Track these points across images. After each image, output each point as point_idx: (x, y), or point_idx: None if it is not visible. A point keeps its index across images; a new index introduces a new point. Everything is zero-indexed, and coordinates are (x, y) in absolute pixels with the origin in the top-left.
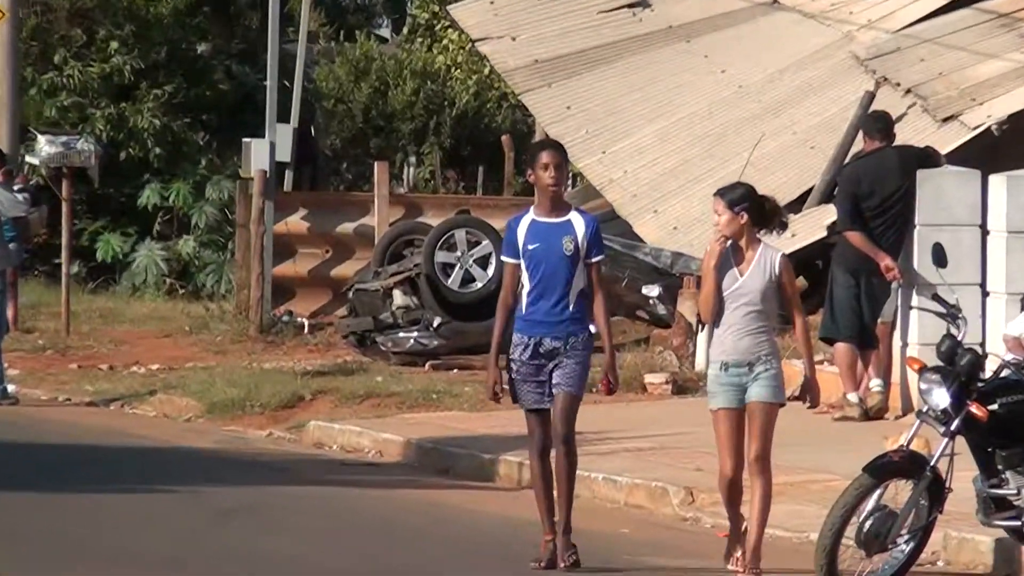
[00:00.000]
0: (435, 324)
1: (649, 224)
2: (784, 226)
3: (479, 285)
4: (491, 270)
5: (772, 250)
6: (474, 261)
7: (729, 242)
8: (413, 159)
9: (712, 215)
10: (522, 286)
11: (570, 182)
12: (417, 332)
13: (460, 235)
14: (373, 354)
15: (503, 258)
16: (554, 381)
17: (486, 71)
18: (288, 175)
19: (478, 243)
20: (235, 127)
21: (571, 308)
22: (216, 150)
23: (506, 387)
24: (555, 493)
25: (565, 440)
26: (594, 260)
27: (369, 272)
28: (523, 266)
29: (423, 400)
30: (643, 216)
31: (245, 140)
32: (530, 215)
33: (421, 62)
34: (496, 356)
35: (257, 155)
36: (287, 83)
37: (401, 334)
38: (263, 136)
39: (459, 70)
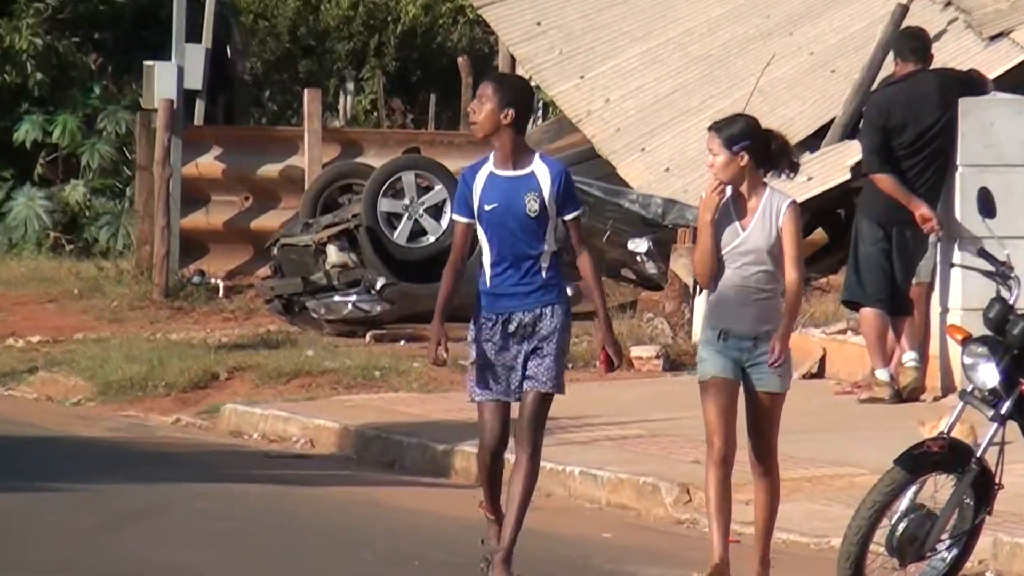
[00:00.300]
0: (378, 286)
1: (636, 165)
2: (795, 167)
3: (431, 239)
4: (445, 220)
5: (780, 196)
6: (425, 210)
7: (728, 189)
8: (351, 86)
9: (707, 155)
10: (481, 251)
11: (540, 114)
12: (356, 296)
13: (408, 178)
14: (303, 323)
15: (454, 216)
16: (528, 373)
17: None
18: (199, 105)
19: (430, 188)
20: (134, 47)
21: (544, 273)
22: (111, 75)
23: (455, 349)
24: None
25: (532, 453)
26: (569, 217)
27: (298, 224)
28: (480, 230)
29: (363, 379)
30: (629, 155)
31: (147, 63)
32: (488, 166)
33: None
34: (441, 314)
35: (161, 81)
36: None
37: (337, 298)
38: (168, 58)
39: None
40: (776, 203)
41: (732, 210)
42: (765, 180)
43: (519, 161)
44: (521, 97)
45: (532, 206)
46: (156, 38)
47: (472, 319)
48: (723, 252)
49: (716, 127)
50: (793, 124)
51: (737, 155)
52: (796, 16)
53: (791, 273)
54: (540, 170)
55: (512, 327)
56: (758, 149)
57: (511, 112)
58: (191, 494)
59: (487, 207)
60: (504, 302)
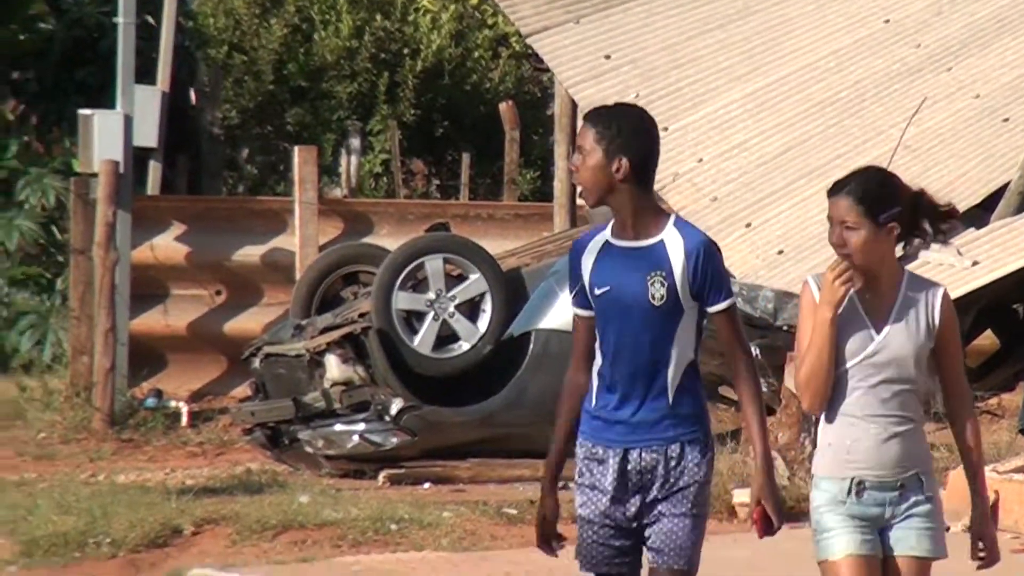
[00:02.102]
0: (393, 411)
1: (739, 246)
2: (944, 235)
3: (465, 347)
4: (483, 321)
5: (924, 283)
6: (456, 307)
7: (859, 283)
8: (355, 142)
9: (831, 228)
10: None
11: None
12: (365, 424)
13: (434, 265)
14: (294, 459)
15: (573, 308)
16: (649, 542)
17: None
18: (154, 168)
19: (463, 278)
20: (66, 91)
21: (671, 396)
22: (35, 128)
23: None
24: None
25: None
26: (717, 308)
27: (287, 326)
28: (596, 324)
29: (376, 533)
30: (729, 232)
31: (83, 112)
32: (605, 234)
33: None
34: (553, 476)
35: (103, 136)
36: (150, 19)
37: (339, 427)
38: (112, 106)
39: None
40: (924, 294)
41: (858, 304)
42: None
43: (643, 227)
44: (638, 138)
45: (657, 291)
46: (95, 79)
47: (578, 450)
48: (847, 365)
49: (849, 189)
50: (954, 190)
51: (885, 227)
52: (956, 45)
53: (958, 401)
54: (672, 240)
55: (629, 468)
56: (903, 216)
57: (624, 161)
58: None
59: (597, 291)
60: (616, 432)
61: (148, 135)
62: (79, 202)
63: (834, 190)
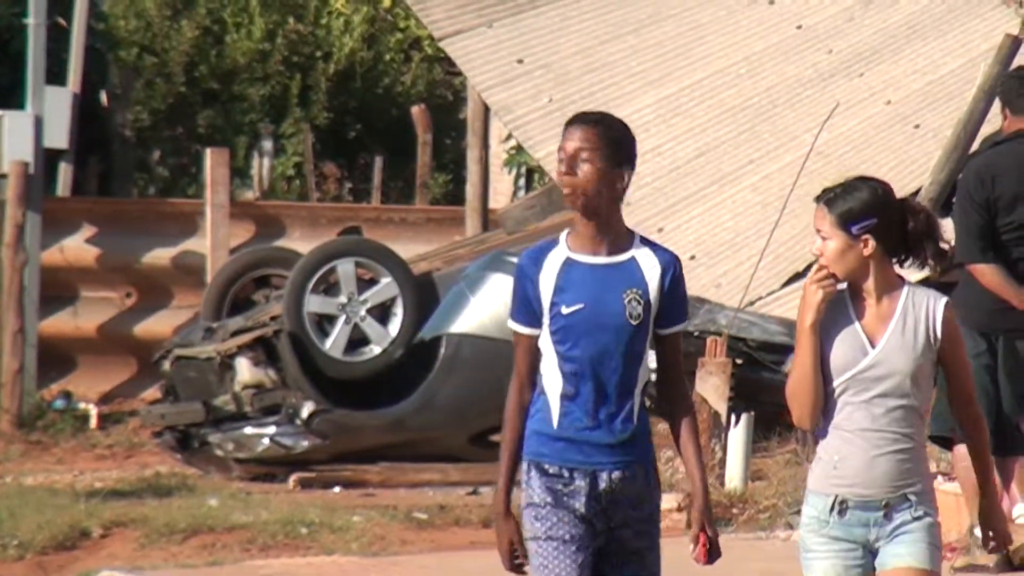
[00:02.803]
0: (304, 414)
1: None
2: (942, 257)
3: (376, 350)
4: (394, 325)
5: (926, 293)
6: (368, 311)
7: (843, 285)
8: (268, 144)
9: (813, 237)
10: (541, 376)
11: (522, 183)
12: (276, 427)
13: (346, 268)
14: (204, 463)
15: (512, 325)
16: (625, 569)
17: (385, 1)
18: (65, 170)
19: (375, 282)
20: None
21: (637, 417)
22: None
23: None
24: None
25: None
26: (675, 328)
27: (198, 329)
28: (550, 346)
29: (286, 537)
30: None
31: None
32: (562, 248)
33: None
34: (507, 496)
35: (13, 137)
36: (61, 21)
37: (249, 430)
38: (23, 107)
39: (342, 0)
40: (925, 304)
41: (853, 316)
42: (901, 273)
43: (614, 243)
44: (634, 149)
45: (635, 310)
46: (5, 79)
47: (525, 472)
48: (842, 379)
49: (827, 198)
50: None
51: (859, 239)
52: (867, 51)
53: (972, 415)
54: (643, 257)
55: (596, 492)
56: (890, 230)
57: (628, 175)
58: None
59: (565, 310)
60: (585, 453)
61: (58, 136)
62: None
63: (818, 198)
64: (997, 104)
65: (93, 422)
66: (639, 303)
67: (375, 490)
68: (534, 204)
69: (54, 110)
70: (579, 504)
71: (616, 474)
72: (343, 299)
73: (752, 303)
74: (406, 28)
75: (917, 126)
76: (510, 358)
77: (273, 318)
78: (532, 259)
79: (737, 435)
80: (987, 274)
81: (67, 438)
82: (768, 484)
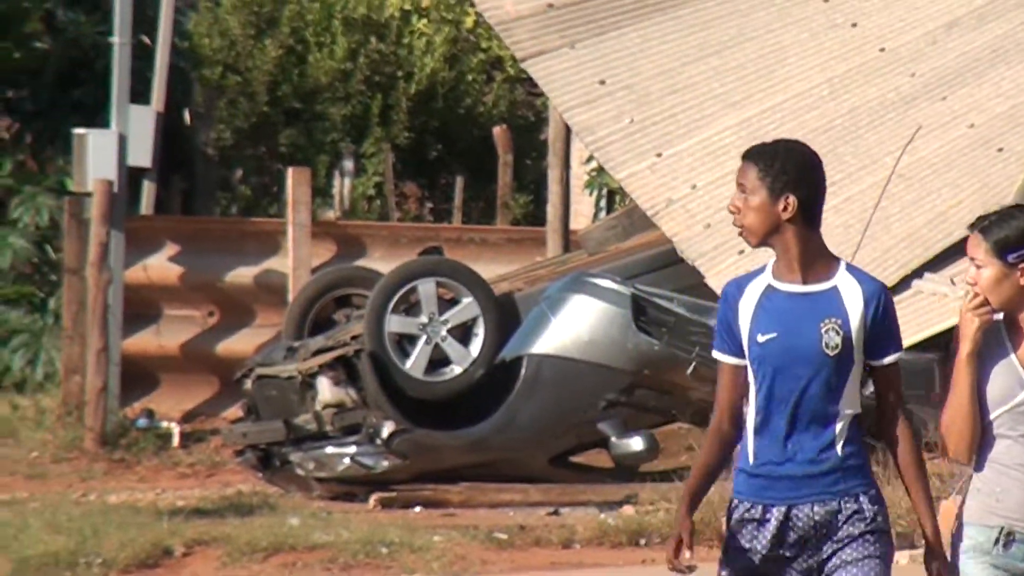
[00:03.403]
0: (385, 434)
1: (733, 273)
2: None
3: (457, 370)
4: (475, 345)
5: None
6: (449, 331)
7: (999, 315)
8: (349, 164)
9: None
10: (747, 405)
11: (603, 204)
12: (356, 446)
13: (426, 289)
14: (285, 481)
15: (715, 354)
16: None
17: (468, 22)
18: (148, 188)
19: (455, 302)
20: (61, 110)
21: (840, 449)
22: (29, 147)
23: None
24: None
25: None
26: (888, 360)
27: (279, 348)
28: (750, 372)
29: (366, 556)
30: (723, 260)
31: (77, 131)
32: (765, 277)
33: (363, 6)
34: (691, 503)
35: (97, 156)
36: (146, 40)
37: (330, 450)
38: (107, 125)
39: (424, 20)
40: None
41: (1009, 348)
42: None
43: (812, 271)
44: (805, 174)
45: (831, 340)
46: (90, 98)
47: (732, 510)
48: (998, 412)
49: (982, 225)
50: (947, 220)
51: (1016, 267)
52: (951, 74)
53: None
54: (847, 285)
55: (794, 530)
56: None
57: (791, 199)
58: None
59: (760, 338)
60: (782, 489)
61: (142, 155)
62: (72, 221)
63: (972, 226)
64: None
65: (175, 440)
66: (837, 333)
67: (455, 510)
68: (615, 225)
69: (138, 129)
70: (761, 543)
71: (818, 508)
72: (424, 319)
73: None
74: (488, 48)
75: (1000, 149)
76: (590, 379)
77: (354, 337)
78: (736, 286)
79: None
80: None
81: (149, 456)
82: None
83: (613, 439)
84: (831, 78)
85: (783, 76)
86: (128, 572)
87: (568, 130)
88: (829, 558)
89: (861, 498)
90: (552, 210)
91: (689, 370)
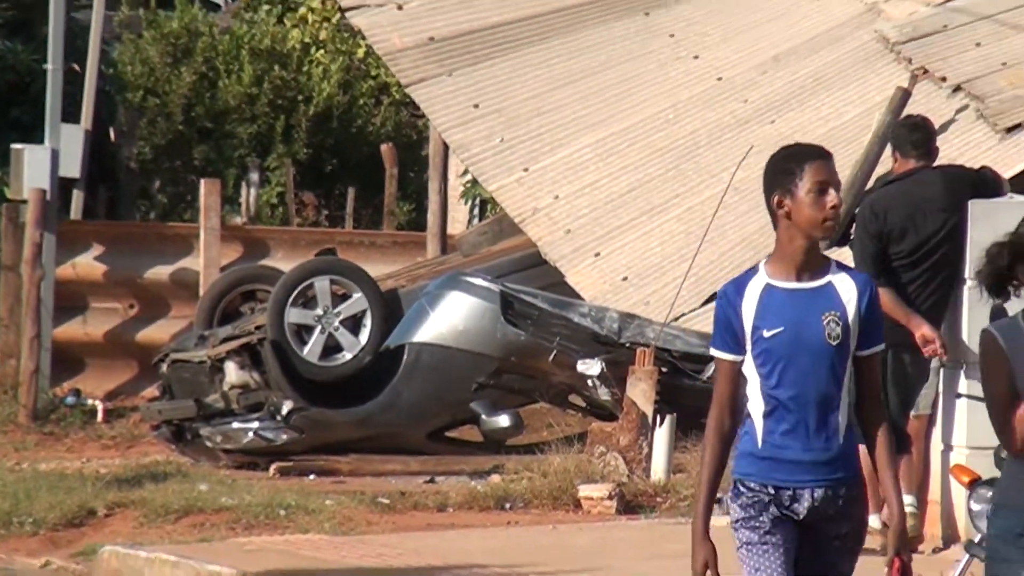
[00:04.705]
0: (284, 411)
1: (589, 272)
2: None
3: (348, 356)
4: (364, 334)
5: None
6: (341, 322)
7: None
8: (254, 176)
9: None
10: (747, 399)
11: (476, 212)
12: (258, 422)
13: (322, 285)
14: (195, 452)
15: (714, 351)
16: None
17: (360, 52)
18: (77, 197)
19: (347, 297)
20: (1, 128)
21: (841, 434)
22: None
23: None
24: None
25: None
26: (873, 350)
27: (192, 336)
28: (754, 369)
29: (266, 518)
30: (580, 261)
31: (15, 146)
32: (761, 277)
33: (268, 39)
34: (706, 520)
35: (32, 168)
36: (76, 67)
37: (236, 425)
38: (41, 141)
39: (321, 51)
40: None
41: None
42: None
43: (811, 269)
44: None
45: (833, 331)
46: (27, 117)
47: (733, 490)
48: None
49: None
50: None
51: None
52: (778, 101)
53: None
54: (841, 282)
55: (799, 507)
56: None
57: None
58: None
59: (767, 333)
60: (788, 472)
61: (72, 167)
62: (9, 225)
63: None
64: (889, 148)
65: (99, 416)
66: (837, 324)
67: (345, 478)
68: (487, 231)
69: (69, 145)
70: (783, 521)
71: (819, 492)
72: (319, 311)
73: (676, 319)
74: (377, 76)
75: None
76: (463, 364)
77: (258, 327)
78: (735, 287)
79: (661, 434)
80: (880, 296)
81: (76, 430)
82: (687, 476)
83: (483, 417)
84: (676, 103)
85: (635, 101)
86: (56, 530)
87: (446, 147)
88: (820, 544)
89: (858, 488)
90: (432, 217)
91: (551, 357)
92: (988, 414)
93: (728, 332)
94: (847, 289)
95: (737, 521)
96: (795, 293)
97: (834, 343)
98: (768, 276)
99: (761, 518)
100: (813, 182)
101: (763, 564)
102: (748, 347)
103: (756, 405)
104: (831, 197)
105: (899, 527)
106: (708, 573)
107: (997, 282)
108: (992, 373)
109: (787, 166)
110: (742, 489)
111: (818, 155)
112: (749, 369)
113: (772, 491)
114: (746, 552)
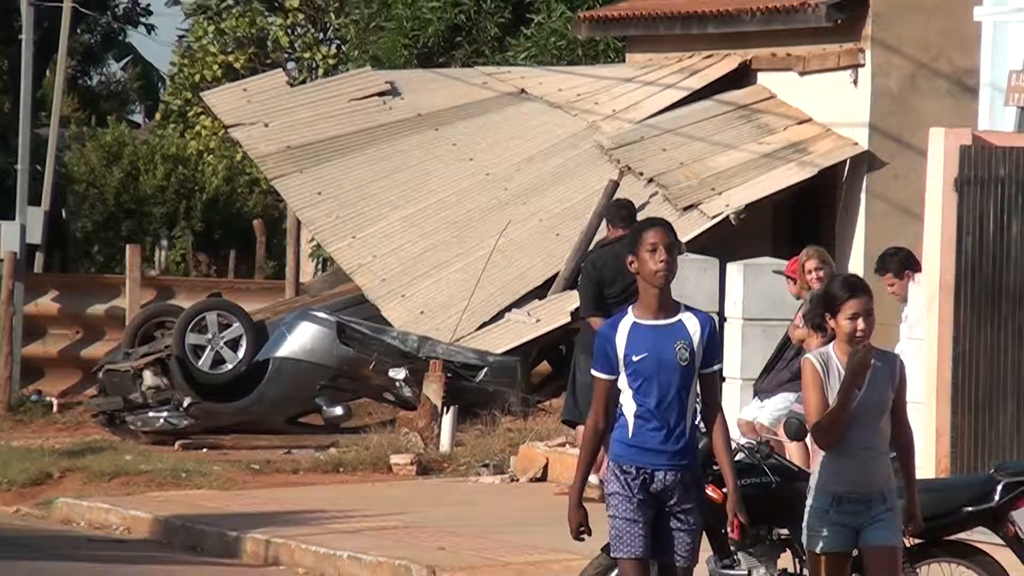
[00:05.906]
0: (185, 404)
1: (397, 308)
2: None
3: (229, 366)
4: (242, 351)
5: (886, 351)
6: (225, 343)
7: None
8: (165, 242)
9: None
10: (621, 407)
11: (320, 266)
12: (167, 412)
13: (211, 317)
14: (123, 433)
15: (595, 373)
16: (667, 543)
17: (238, 156)
18: (39, 257)
19: (229, 325)
20: None
21: (687, 435)
22: None
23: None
24: None
25: None
26: (713, 368)
27: (119, 353)
28: (626, 384)
29: (172, 478)
30: (391, 300)
31: None
32: (629, 317)
33: (173, 147)
34: (579, 493)
35: (8, 237)
36: (39, 167)
37: (151, 414)
38: (14, 218)
39: (211, 155)
40: (891, 356)
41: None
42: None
43: (666, 310)
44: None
45: (683, 355)
46: (3, 202)
47: (614, 468)
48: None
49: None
50: (525, 277)
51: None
52: (529, 189)
53: (908, 436)
54: (688, 319)
55: (654, 486)
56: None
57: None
58: (23, 571)
59: (635, 358)
60: (649, 457)
61: (36, 236)
62: None
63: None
64: (604, 222)
65: (55, 408)
66: (686, 350)
67: (228, 451)
68: (327, 279)
69: (33, 221)
70: (643, 493)
71: (670, 474)
72: (210, 336)
73: (458, 340)
74: (251, 173)
75: (558, 234)
76: (311, 372)
77: (166, 347)
78: (611, 326)
79: (447, 420)
80: (597, 323)
81: (39, 418)
82: (464, 448)
83: (324, 408)
84: (457, 191)
85: (428, 189)
86: (24, 488)
87: (299, 222)
88: (671, 516)
89: (694, 470)
90: (288, 270)
91: (371, 366)
92: (806, 420)
93: (605, 359)
94: (693, 324)
95: (611, 495)
96: (655, 328)
97: (684, 364)
98: (635, 316)
99: (626, 491)
100: (648, 244)
101: (625, 530)
102: (621, 368)
103: (629, 408)
104: (659, 254)
105: (735, 497)
106: (582, 529)
107: (819, 323)
108: (811, 388)
109: (634, 235)
110: (615, 469)
111: (652, 224)
112: (623, 384)
113: (635, 471)
114: (614, 518)
